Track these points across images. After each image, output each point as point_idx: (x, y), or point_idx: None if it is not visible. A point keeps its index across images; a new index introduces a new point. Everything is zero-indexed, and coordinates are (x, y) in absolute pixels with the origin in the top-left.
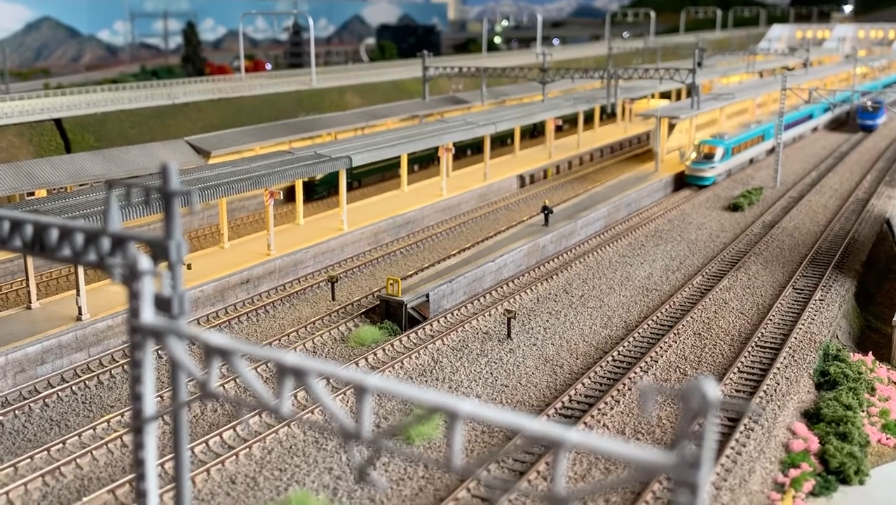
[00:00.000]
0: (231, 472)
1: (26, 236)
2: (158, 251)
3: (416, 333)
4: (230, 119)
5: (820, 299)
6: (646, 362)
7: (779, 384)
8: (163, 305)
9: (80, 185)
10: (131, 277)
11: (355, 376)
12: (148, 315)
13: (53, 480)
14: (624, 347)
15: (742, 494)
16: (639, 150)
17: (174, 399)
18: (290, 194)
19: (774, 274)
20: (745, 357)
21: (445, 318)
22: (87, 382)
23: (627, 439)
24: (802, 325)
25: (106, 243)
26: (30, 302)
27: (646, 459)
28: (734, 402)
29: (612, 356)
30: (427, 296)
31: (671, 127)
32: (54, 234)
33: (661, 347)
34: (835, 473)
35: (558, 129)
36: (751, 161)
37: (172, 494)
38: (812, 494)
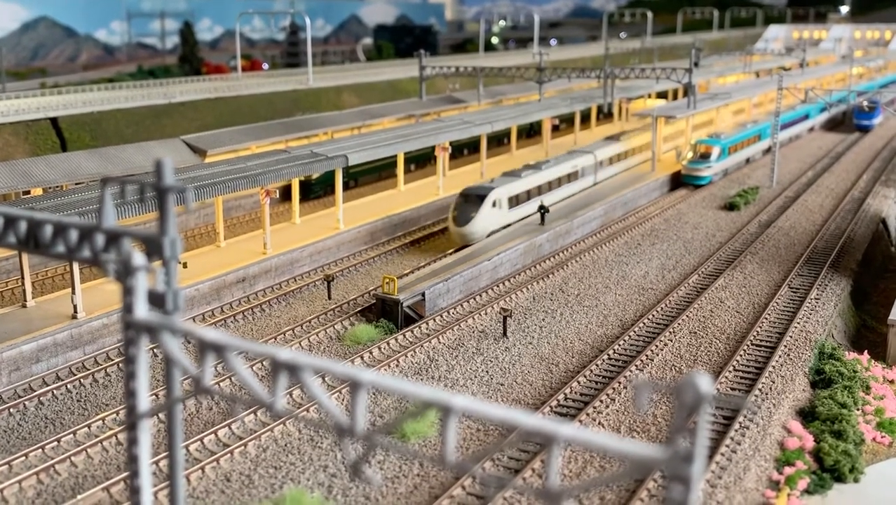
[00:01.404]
0: (226, 469)
1: (20, 233)
2: (153, 248)
3: (412, 332)
4: (227, 118)
5: (816, 298)
6: (641, 361)
7: (774, 382)
8: (157, 300)
9: (76, 184)
10: (125, 273)
11: (350, 372)
12: (142, 311)
13: (48, 477)
14: (619, 345)
15: (737, 492)
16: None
17: (168, 395)
18: (286, 193)
19: (770, 273)
20: (741, 355)
21: (441, 316)
22: (81, 380)
23: (623, 437)
24: (798, 323)
25: (100, 240)
26: (25, 300)
27: (639, 453)
28: (729, 399)
29: (608, 354)
30: (423, 294)
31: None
32: (48, 231)
33: (656, 346)
34: (829, 471)
35: (555, 128)
36: (747, 161)
37: (167, 492)
38: (807, 491)
